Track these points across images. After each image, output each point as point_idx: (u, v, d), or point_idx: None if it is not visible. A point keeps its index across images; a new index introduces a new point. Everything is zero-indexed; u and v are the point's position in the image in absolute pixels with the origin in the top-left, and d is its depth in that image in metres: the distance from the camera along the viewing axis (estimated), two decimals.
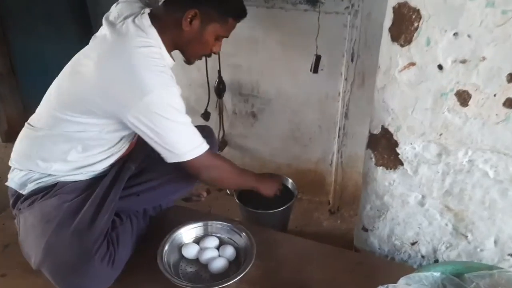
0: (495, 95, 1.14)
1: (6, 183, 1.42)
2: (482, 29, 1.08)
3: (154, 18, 1.31)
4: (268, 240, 1.52)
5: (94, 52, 1.30)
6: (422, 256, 1.53)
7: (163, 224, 1.52)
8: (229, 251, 1.43)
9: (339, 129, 2.05)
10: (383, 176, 1.43)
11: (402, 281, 1.10)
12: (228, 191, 2.26)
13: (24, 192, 1.38)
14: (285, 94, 2.08)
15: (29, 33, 2.45)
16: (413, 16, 1.13)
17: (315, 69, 1.81)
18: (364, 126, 1.55)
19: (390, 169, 1.40)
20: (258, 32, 1.95)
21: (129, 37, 1.27)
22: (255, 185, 1.62)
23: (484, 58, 1.11)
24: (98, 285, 1.31)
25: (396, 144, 1.34)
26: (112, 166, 1.47)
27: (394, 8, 1.16)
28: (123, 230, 1.40)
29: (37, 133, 1.38)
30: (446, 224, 1.42)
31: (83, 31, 2.31)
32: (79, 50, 1.36)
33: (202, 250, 1.43)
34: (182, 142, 1.32)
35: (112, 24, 1.31)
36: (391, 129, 1.33)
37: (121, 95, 1.24)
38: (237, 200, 1.82)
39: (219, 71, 2.04)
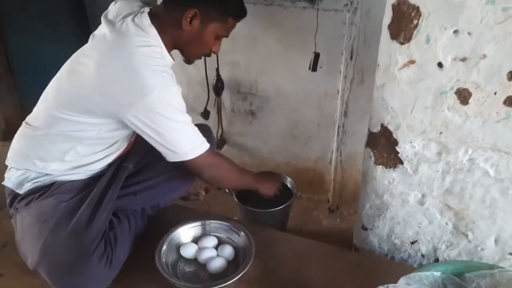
0: (495, 93, 1.14)
1: (3, 183, 1.41)
2: (483, 27, 1.07)
3: (154, 17, 1.31)
4: (267, 239, 1.51)
5: (93, 51, 1.29)
6: (422, 255, 1.52)
7: (161, 223, 1.51)
8: (228, 250, 1.42)
9: (338, 127, 2.04)
10: (382, 175, 1.42)
11: (402, 281, 1.09)
12: (226, 189, 2.25)
13: (21, 191, 1.38)
14: (284, 92, 2.07)
15: (26, 31, 2.45)
16: (413, 14, 1.12)
17: (314, 67, 1.81)
18: (363, 124, 1.54)
19: (390, 168, 1.39)
20: (257, 30, 1.94)
21: (129, 36, 1.26)
22: (255, 185, 1.62)
23: (484, 56, 1.10)
24: (96, 285, 1.30)
25: (395, 142, 1.33)
26: (109, 165, 1.46)
27: (393, 5, 1.15)
28: (121, 230, 1.39)
29: (35, 132, 1.37)
30: (447, 223, 1.41)
31: (81, 29, 2.31)
32: (76, 49, 1.35)
33: (200, 249, 1.42)
34: (183, 141, 1.31)
35: (111, 23, 1.30)
36: (390, 128, 1.32)
37: (121, 95, 1.23)
38: (235, 199, 1.81)
39: (217, 69, 2.03)
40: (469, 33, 1.09)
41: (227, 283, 1.27)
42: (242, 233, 1.44)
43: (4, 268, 1.41)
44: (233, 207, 1.93)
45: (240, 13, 1.38)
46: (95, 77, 1.24)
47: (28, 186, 1.37)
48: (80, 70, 1.28)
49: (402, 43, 1.18)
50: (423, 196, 1.39)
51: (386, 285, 1.06)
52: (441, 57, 1.15)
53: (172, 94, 1.26)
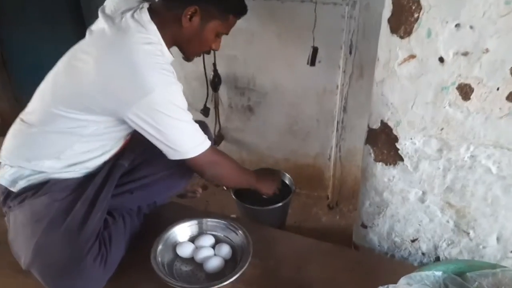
0: (498, 89, 1.11)
1: None
2: (485, 20, 1.04)
3: (153, 13, 1.29)
4: (266, 238, 1.49)
5: (92, 47, 1.27)
6: (423, 253, 1.51)
7: (158, 222, 1.49)
8: (225, 249, 1.40)
9: (338, 122, 2.02)
10: (382, 172, 1.40)
11: (403, 281, 1.08)
12: (224, 187, 2.23)
13: (15, 189, 1.35)
14: (282, 87, 2.05)
15: (20, 26, 2.43)
16: (413, 7, 1.10)
17: (312, 62, 1.79)
18: (363, 119, 1.52)
19: (390, 164, 1.37)
20: (254, 24, 1.91)
21: (129, 32, 1.24)
22: (255, 184, 1.61)
23: (487, 50, 1.08)
24: (90, 286, 1.28)
25: (395, 139, 1.31)
26: (105, 163, 1.44)
27: None
28: (116, 229, 1.37)
29: (30, 129, 1.34)
30: (448, 221, 1.39)
31: (76, 23, 2.29)
32: (71, 43, 1.32)
33: (197, 248, 1.40)
34: (185, 140, 1.31)
35: (110, 18, 1.28)
36: (390, 124, 1.30)
37: (121, 92, 1.21)
38: (233, 197, 1.79)
39: (214, 64, 2.02)
40: (471, 27, 1.06)
41: (225, 283, 1.25)
42: (240, 231, 1.42)
43: None
44: (231, 205, 1.91)
45: (240, 10, 1.38)
46: (95, 73, 1.22)
47: (21, 184, 1.35)
48: (79, 66, 1.26)
49: (402, 37, 1.16)
50: (424, 193, 1.37)
51: (386, 285, 1.05)
52: (442, 51, 1.12)
53: (174, 92, 1.25)
